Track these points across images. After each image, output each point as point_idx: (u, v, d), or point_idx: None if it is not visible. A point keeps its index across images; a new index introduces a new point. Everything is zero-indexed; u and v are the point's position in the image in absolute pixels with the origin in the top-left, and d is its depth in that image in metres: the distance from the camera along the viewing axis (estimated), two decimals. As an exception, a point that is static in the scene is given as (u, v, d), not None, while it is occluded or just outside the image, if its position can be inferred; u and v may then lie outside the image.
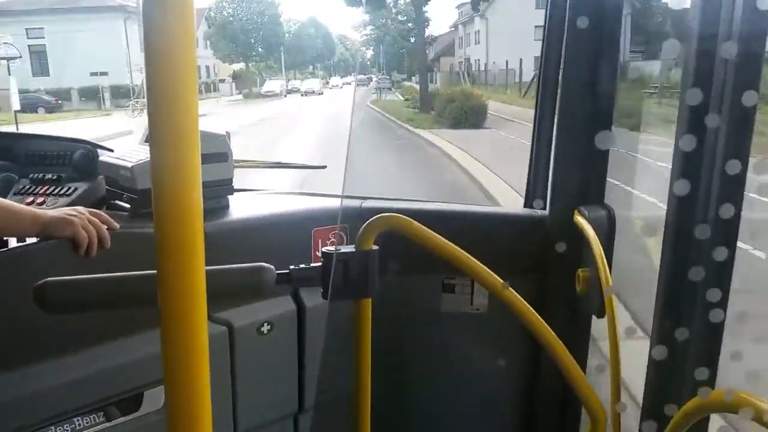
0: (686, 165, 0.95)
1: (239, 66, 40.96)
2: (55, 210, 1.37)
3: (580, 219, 1.57)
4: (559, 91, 1.69)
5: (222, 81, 37.17)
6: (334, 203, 1.89)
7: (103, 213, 1.39)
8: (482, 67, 32.67)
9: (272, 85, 35.15)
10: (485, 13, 32.30)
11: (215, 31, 36.73)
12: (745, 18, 0.87)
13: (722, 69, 0.90)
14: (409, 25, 37.84)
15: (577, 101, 1.63)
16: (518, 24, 26.10)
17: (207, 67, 39.15)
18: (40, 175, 1.78)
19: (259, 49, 38.98)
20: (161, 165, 0.45)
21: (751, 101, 0.87)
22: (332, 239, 1.74)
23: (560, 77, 1.68)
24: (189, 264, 0.47)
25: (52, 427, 1.29)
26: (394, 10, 38.78)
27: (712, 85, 0.90)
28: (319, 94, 35.45)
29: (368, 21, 40.20)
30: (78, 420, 1.33)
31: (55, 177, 1.76)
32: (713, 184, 0.92)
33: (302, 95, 34.11)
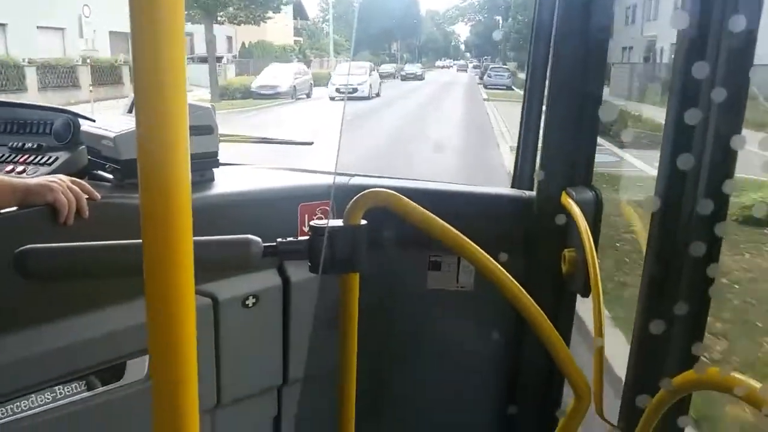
0: (680, 139, 0.95)
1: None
2: (35, 178, 1.34)
3: (567, 200, 1.58)
4: (548, 71, 1.68)
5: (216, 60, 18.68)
6: (321, 179, 1.88)
7: (84, 182, 1.37)
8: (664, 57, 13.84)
9: (273, 73, 18.18)
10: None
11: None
12: None
13: (717, 44, 0.89)
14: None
15: (568, 82, 1.62)
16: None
17: (228, 38, 23.18)
18: (20, 144, 1.74)
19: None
20: (148, 135, 0.44)
21: (747, 78, 0.87)
22: (319, 215, 1.72)
23: (550, 57, 1.67)
24: (176, 235, 0.46)
25: (33, 396, 1.28)
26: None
27: (707, 59, 0.90)
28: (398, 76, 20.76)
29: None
30: (59, 389, 1.31)
31: (35, 146, 1.72)
32: (706, 161, 0.92)
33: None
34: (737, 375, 0.76)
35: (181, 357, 0.49)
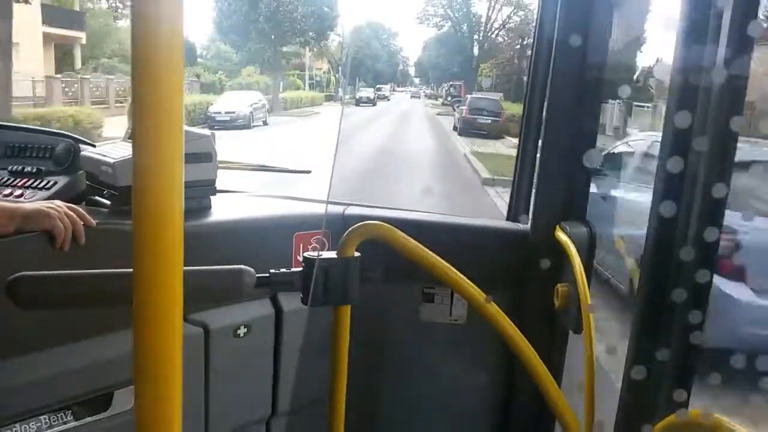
0: (670, 186, 0.96)
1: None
2: (31, 203, 1.35)
3: (561, 235, 1.58)
4: (545, 106, 1.71)
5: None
6: (317, 208, 1.88)
7: (80, 209, 1.37)
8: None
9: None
10: None
11: None
12: (731, 44, 0.88)
13: (707, 93, 0.91)
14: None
15: (563, 119, 1.65)
16: None
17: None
18: (20, 167, 1.75)
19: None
20: (143, 164, 0.45)
21: (737, 126, 0.88)
22: (314, 244, 1.73)
23: (547, 93, 1.69)
24: (166, 265, 0.46)
25: (17, 425, 1.26)
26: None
27: (697, 108, 0.91)
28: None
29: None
30: (44, 418, 1.30)
31: (34, 170, 1.73)
32: (695, 206, 0.93)
33: None
34: (722, 418, 0.75)
35: (166, 390, 0.48)
